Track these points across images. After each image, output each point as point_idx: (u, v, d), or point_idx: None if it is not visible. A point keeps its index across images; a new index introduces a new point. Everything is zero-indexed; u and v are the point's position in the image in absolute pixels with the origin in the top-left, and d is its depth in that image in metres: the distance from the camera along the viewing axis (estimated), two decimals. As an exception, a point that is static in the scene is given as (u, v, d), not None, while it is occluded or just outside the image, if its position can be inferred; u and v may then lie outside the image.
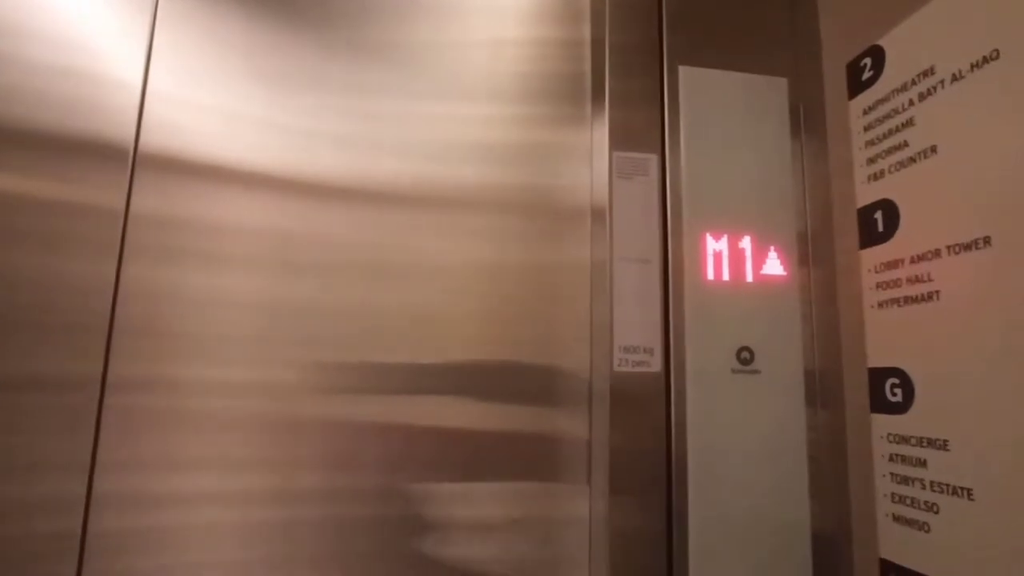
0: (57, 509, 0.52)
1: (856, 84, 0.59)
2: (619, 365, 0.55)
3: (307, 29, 0.63)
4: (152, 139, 0.58)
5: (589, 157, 0.64)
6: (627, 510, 0.54)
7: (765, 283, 0.59)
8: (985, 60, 0.45)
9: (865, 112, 0.57)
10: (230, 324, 0.57)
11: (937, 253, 0.48)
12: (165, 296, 0.56)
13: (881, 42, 0.56)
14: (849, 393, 0.58)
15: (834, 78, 0.62)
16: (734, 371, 0.57)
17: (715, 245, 0.58)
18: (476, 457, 0.58)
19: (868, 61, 0.57)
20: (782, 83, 0.63)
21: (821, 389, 0.59)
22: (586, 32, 0.67)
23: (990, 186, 0.44)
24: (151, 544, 0.53)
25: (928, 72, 0.50)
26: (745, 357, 0.57)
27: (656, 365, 0.56)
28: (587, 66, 0.67)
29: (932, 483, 0.48)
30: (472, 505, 0.57)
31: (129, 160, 0.57)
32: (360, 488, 0.56)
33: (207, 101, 0.60)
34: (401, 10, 0.65)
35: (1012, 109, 0.43)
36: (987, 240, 0.44)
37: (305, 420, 0.56)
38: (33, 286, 0.54)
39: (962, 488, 0.45)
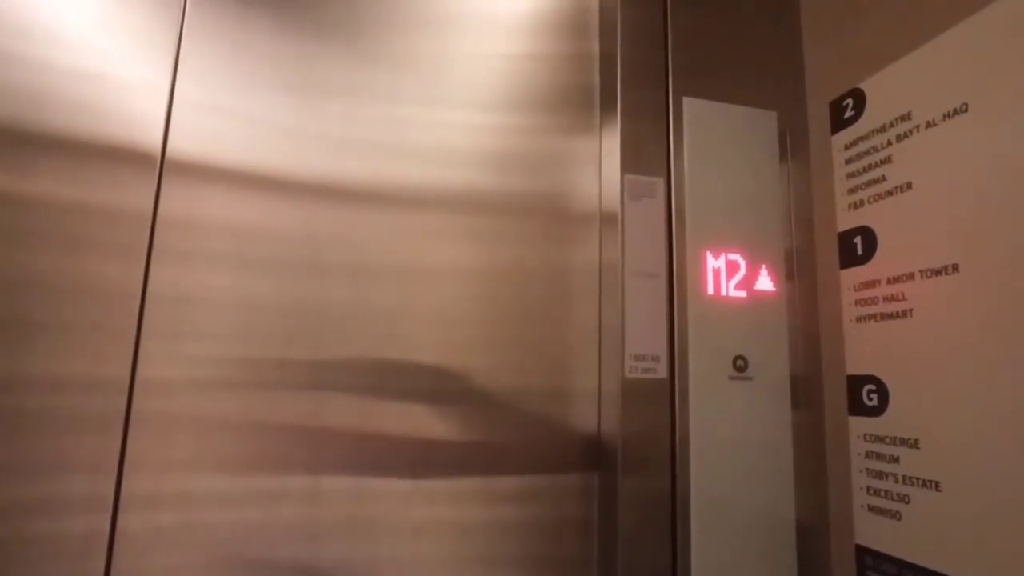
0: (85, 509, 0.53)
1: (838, 121, 0.66)
2: (630, 372, 0.60)
3: (333, 39, 0.65)
4: (179, 145, 0.60)
5: (598, 166, 0.69)
6: (636, 492, 0.59)
7: (757, 298, 0.65)
8: (956, 112, 0.52)
9: (847, 147, 0.64)
10: (252, 327, 0.59)
11: (911, 276, 0.55)
12: (191, 299, 0.58)
13: (862, 86, 0.63)
14: (829, 397, 0.65)
15: (818, 114, 0.69)
16: (731, 377, 0.63)
17: (714, 262, 0.64)
18: (494, 454, 0.62)
19: (850, 101, 0.64)
20: (772, 116, 0.69)
21: (804, 393, 0.65)
22: (595, 47, 0.72)
23: (959, 220, 0.51)
24: (178, 543, 0.55)
25: (906, 117, 0.57)
26: (740, 365, 0.63)
27: (662, 372, 0.61)
28: (596, 79, 0.72)
29: (904, 477, 0.55)
30: (491, 497, 0.61)
31: (157, 165, 0.59)
32: (389, 488, 0.59)
33: (234, 107, 0.62)
34: (423, 23, 0.68)
35: (978, 156, 0.50)
36: (956, 267, 0.51)
37: (333, 421, 0.59)
38: (61, 289, 0.55)
39: (931, 481, 0.52)
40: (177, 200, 0.59)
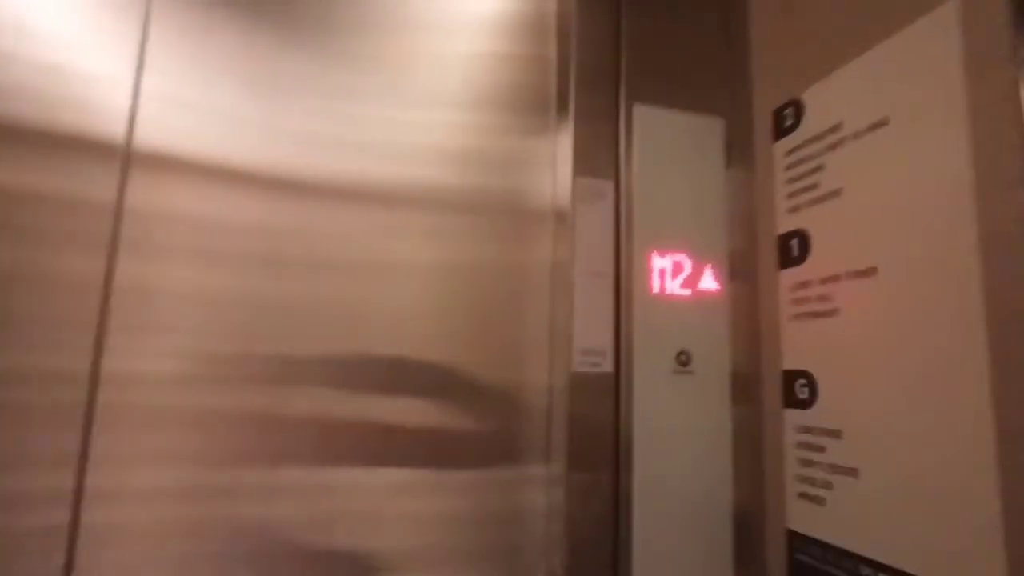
0: (48, 503, 0.55)
1: (780, 129, 0.69)
2: (577, 366, 0.64)
3: (298, 38, 0.67)
4: (144, 138, 0.61)
5: (552, 166, 0.72)
6: (582, 484, 0.62)
7: (701, 296, 0.68)
8: (878, 124, 0.56)
9: (787, 154, 0.68)
10: (215, 320, 0.61)
11: (838, 278, 0.59)
12: (155, 292, 0.60)
13: (802, 96, 0.67)
14: (767, 391, 0.68)
15: (762, 121, 0.72)
16: (674, 372, 0.66)
17: (660, 262, 0.68)
18: (450, 445, 0.64)
19: (790, 111, 0.68)
20: (719, 123, 0.73)
21: (744, 387, 0.69)
22: (552, 51, 0.75)
23: (878, 227, 0.55)
24: (139, 536, 0.57)
25: (837, 127, 0.61)
26: (683, 360, 0.66)
27: (608, 366, 0.65)
28: (553, 82, 0.74)
29: (829, 465, 0.59)
30: (446, 488, 0.64)
31: (122, 158, 0.60)
32: (347, 479, 0.61)
33: (199, 102, 0.63)
34: (387, 23, 0.70)
35: (896, 166, 0.54)
36: (875, 270, 0.55)
37: (293, 414, 0.61)
38: (24, 281, 0.56)
39: (851, 468, 0.56)
40: (142, 193, 0.60)
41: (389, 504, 0.62)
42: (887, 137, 0.55)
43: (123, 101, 0.61)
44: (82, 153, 0.59)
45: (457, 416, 0.65)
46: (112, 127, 0.60)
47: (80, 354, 0.57)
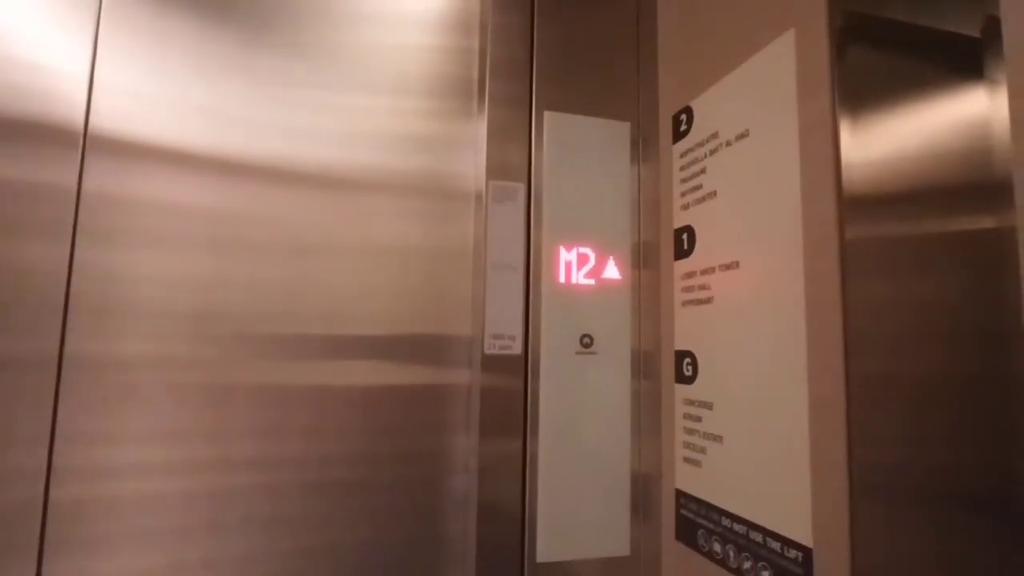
0: (19, 480, 0.62)
1: (677, 133, 0.77)
2: (489, 349, 0.72)
3: (245, 28, 0.73)
4: (101, 125, 0.67)
5: (474, 148, 0.79)
6: (493, 451, 0.71)
7: (604, 284, 0.76)
8: (742, 135, 0.63)
9: (681, 156, 0.75)
10: (172, 301, 0.68)
11: (713, 269, 0.67)
12: (116, 276, 0.66)
13: (692, 104, 0.74)
14: (664, 369, 0.77)
15: (664, 125, 0.80)
16: (577, 352, 0.74)
17: (566, 255, 0.75)
18: (384, 413, 0.73)
19: (684, 116, 0.75)
20: (626, 126, 0.80)
21: (645, 365, 0.77)
22: (475, 43, 0.82)
23: (739, 226, 0.63)
24: (107, 512, 0.64)
25: (715, 135, 0.68)
26: (586, 342, 0.75)
27: (517, 348, 0.73)
28: (475, 71, 0.81)
29: (704, 433, 0.68)
30: (376, 454, 0.72)
31: (80, 145, 0.66)
32: (287, 453, 0.70)
33: (152, 90, 0.69)
34: (329, 15, 0.76)
35: (756, 172, 0.61)
36: (737, 263, 0.63)
37: (240, 390, 0.69)
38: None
39: (718, 435, 0.65)
40: (100, 179, 0.66)
41: (329, 471, 0.70)
42: (749, 147, 0.63)
43: (78, 90, 0.67)
44: (40, 141, 0.65)
45: (389, 387, 0.73)
46: (69, 115, 0.66)
47: (47, 337, 0.63)
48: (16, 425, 0.62)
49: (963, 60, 0.55)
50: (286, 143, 0.73)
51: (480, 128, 0.78)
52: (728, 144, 0.66)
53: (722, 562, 0.63)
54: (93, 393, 0.65)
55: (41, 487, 0.62)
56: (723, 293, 0.66)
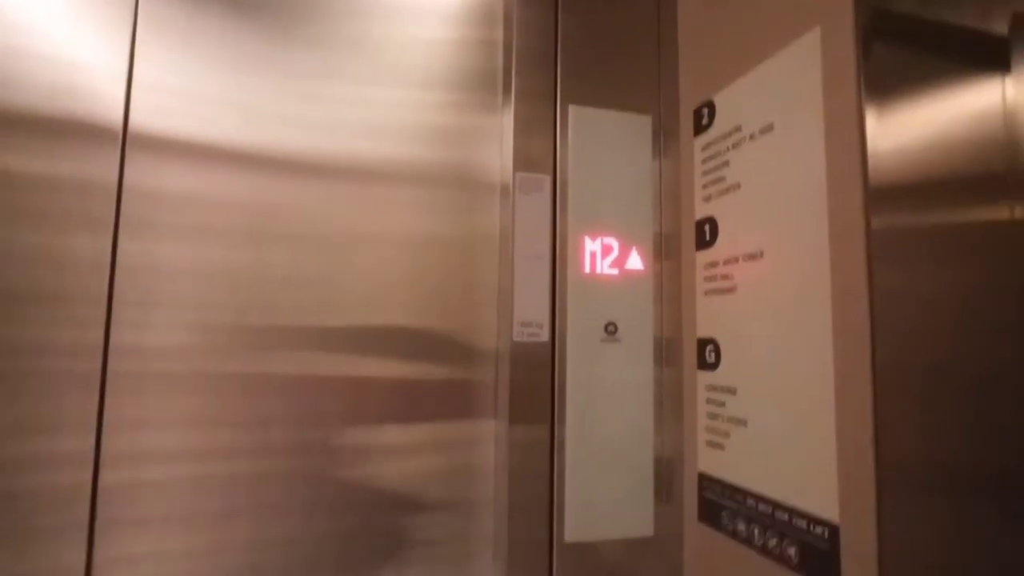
0: (70, 464, 0.64)
1: (698, 126, 0.79)
2: (517, 336, 0.74)
3: (277, 23, 0.75)
4: (140, 122, 0.69)
5: (500, 139, 0.81)
6: (522, 436, 0.73)
7: (628, 274, 0.78)
8: (766, 129, 0.65)
9: (703, 148, 0.77)
10: (211, 292, 0.69)
11: (736, 259, 0.69)
12: (157, 269, 0.68)
13: (714, 98, 0.76)
14: (686, 356, 0.79)
15: (685, 118, 0.82)
16: (602, 340, 0.76)
17: (591, 245, 0.77)
18: (410, 403, 0.75)
19: (706, 111, 0.77)
20: (647, 120, 0.82)
21: (667, 353, 0.79)
22: (498, 35, 0.84)
23: (764, 217, 0.65)
24: (153, 495, 0.66)
25: (738, 128, 0.70)
26: (611, 329, 0.77)
27: (545, 336, 0.75)
28: (499, 64, 0.83)
29: (727, 417, 0.70)
30: (409, 441, 0.75)
31: (120, 141, 0.68)
32: (325, 438, 0.72)
33: (188, 87, 0.71)
34: (356, 9, 0.78)
35: (780, 165, 0.63)
36: (761, 253, 0.65)
37: (276, 378, 0.71)
38: (37, 261, 0.64)
39: (742, 419, 0.67)
40: (140, 174, 0.68)
41: (365, 458, 0.73)
42: (773, 141, 0.64)
43: (118, 88, 0.69)
44: (83, 137, 0.67)
45: (420, 376, 0.75)
46: (109, 112, 0.68)
47: (93, 328, 0.65)
48: (66, 412, 0.64)
49: (989, 56, 0.57)
50: (317, 136, 0.75)
51: (506, 121, 0.80)
52: (752, 137, 0.68)
53: (747, 541, 0.65)
54: (138, 382, 0.67)
55: (90, 471, 0.65)
56: (747, 282, 0.68)
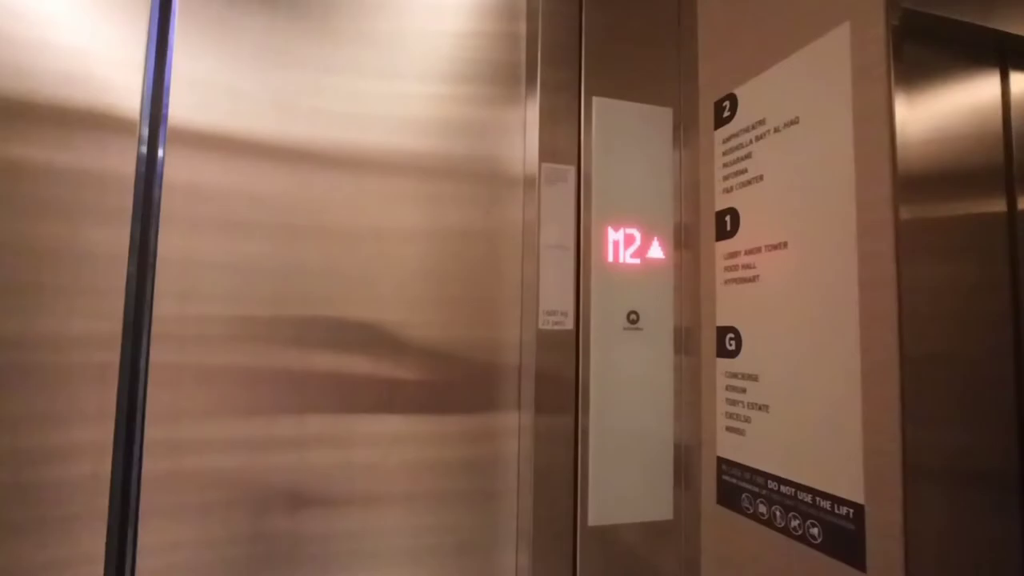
0: (91, 454, 0.64)
1: (719, 119, 0.80)
2: (543, 324, 0.75)
3: (308, 17, 0.75)
4: (178, 115, 0.69)
5: (523, 132, 0.82)
6: (547, 424, 0.75)
7: (649, 264, 0.80)
8: (792, 123, 0.67)
9: (724, 141, 0.79)
10: (247, 286, 0.71)
11: (759, 250, 0.71)
12: (194, 262, 0.69)
13: (736, 91, 0.77)
14: (704, 344, 0.81)
15: (705, 111, 0.83)
16: (625, 328, 0.78)
17: (614, 235, 0.79)
18: (432, 395, 0.76)
19: (728, 103, 0.79)
20: (668, 112, 0.83)
21: (686, 341, 0.81)
22: (522, 28, 0.84)
23: (788, 209, 0.67)
24: (195, 483, 0.67)
25: (762, 122, 0.72)
26: (633, 318, 0.78)
27: (569, 324, 0.76)
28: (522, 56, 0.84)
29: (748, 403, 0.72)
30: (435, 431, 0.76)
31: (160, 134, 0.68)
32: (359, 429, 0.73)
33: (221, 81, 0.72)
34: (382, 3, 0.79)
35: (806, 158, 0.65)
36: (785, 244, 0.67)
37: (314, 371, 0.72)
38: (58, 253, 0.65)
39: (763, 405, 0.69)
40: (180, 168, 0.69)
41: (398, 449, 0.74)
42: (798, 134, 0.66)
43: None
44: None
45: (443, 370, 0.77)
46: (150, 107, 0.68)
47: (109, 319, 0.66)
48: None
49: (1020, 55, 0.59)
50: (347, 131, 0.75)
51: (531, 113, 0.81)
52: (776, 130, 0.69)
53: (768, 522, 0.67)
54: (179, 373, 0.68)
55: (136, 459, 0.66)
56: (770, 272, 0.69)
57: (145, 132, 0.69)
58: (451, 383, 0.77)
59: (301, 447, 0.71)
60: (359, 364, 0.73)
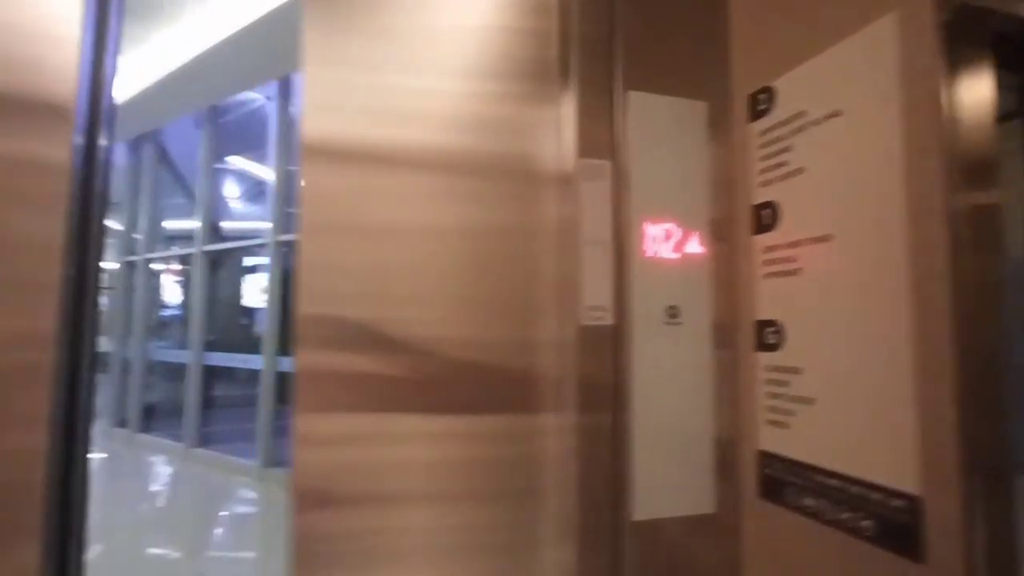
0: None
1: (755, 112, 0.80)
2: (584, 320, 0.75)
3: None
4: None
5: (557, 129, 0.82)
6: (589, 420, 0.75)
7: (687, 258, 0.80)
8: (834, 114, 0.67)
9: (761, 134, 0.79)
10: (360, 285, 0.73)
11: (800, 243, 0.71)
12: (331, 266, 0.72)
13: (774, 84, 0.77)
14: (742, 338, 0.81)
15: (740, 106, 0.83)
16: (664, 323, 0.78)
17: (652, 230, 0.79)
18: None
19: (763, 96, 0.78)
20: (703, 106, 0.83)
21: (724, 335, 0.81)
22: (553, 24, 0.84)
23: (833, 201, 0.66)
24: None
25: (802, 114, 0.72)
26: (672, 312, 0.79)
27: (610, 319, 0.77)
28: (555, 52, 0.83)
29: (791, 396, 0.72)
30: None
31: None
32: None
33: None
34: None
35: (848, 151, 0.65)
36: (830, 236, 0.67)
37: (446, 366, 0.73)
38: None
39: (809, 398, 0.69)
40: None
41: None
42: (840, 126, 0.66)
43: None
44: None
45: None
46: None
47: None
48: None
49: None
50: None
51: (566, 108, 0.81)
52: (816, 123, 0.69)
53: (815, 515, 0.67)
54: (326, 373, 0.70)
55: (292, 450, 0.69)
56: (813, 265, 0.69)
57: (82, 121, 0.65)
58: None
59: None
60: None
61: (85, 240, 0.64)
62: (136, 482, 3.81)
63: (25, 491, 0.59)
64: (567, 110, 0.80)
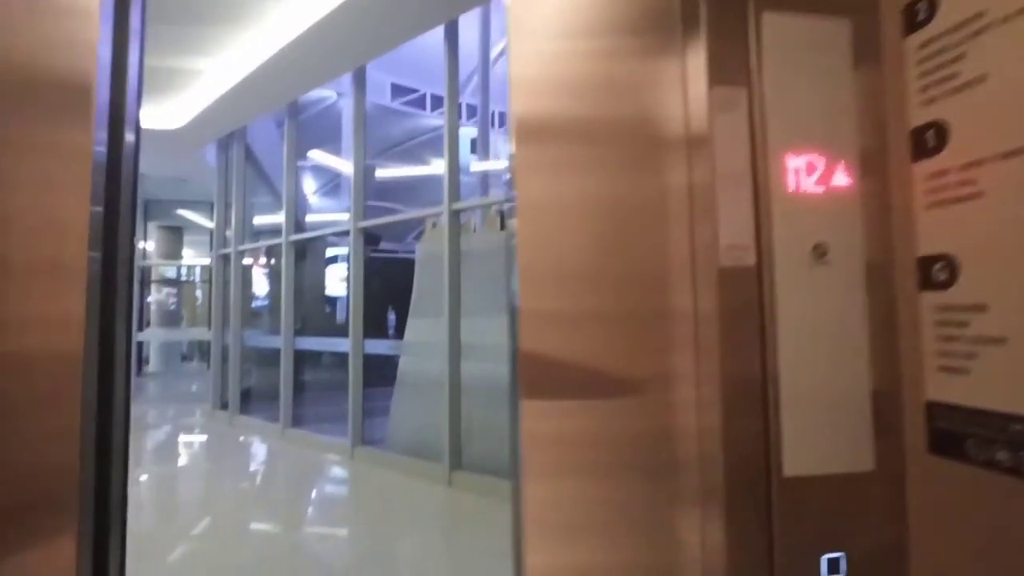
0: None
1: (911, 24, 0.71)
2: (724, 261, 0.69)
3: None
4: None
5: (682, 84, 0.76)
6: (734, 367, 0.69)
7: (834, 192, 0.72)
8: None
9: (920, 47, 0.70)
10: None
11: (980, 162, 0.62)
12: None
13: (936, -12, 0.68)
14: (899, 277, 0.72)
15: (890, 19, 0.74)
16: (810, 263, 0.71)
17: (794, 162, 0.72)
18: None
19: (923, 5, 0.69)
20: (846, 24, 0.75)
21: (878, 275, 0.73)
22: None
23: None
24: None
25: (979, 15, 0.62)
26: (820, 252, 0.71)
27: (751, 259, 0.70)
28: (677, 2, 0.77)
29: (972, 338, 0.63)
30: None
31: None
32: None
33: None
34: None
35: (1049, 45, 0.56)
36: (1022, 150, 0.58)
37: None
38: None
39: (997, 338, 0.61)
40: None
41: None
42: (1038, 17, 0.57)
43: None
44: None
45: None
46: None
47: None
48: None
49: None
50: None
51: (693, 36, 0.74)
52: (1005, 20, 0.60)
53: (1011, 470, 0.59)
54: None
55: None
56: (1001, 185, 0.60)
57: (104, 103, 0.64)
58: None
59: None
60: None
61: (113, 223, 0.64)
62: (238, 459, 4.02)
63: (60, 473, 0.58)
64: (696, 36, 0.74)
